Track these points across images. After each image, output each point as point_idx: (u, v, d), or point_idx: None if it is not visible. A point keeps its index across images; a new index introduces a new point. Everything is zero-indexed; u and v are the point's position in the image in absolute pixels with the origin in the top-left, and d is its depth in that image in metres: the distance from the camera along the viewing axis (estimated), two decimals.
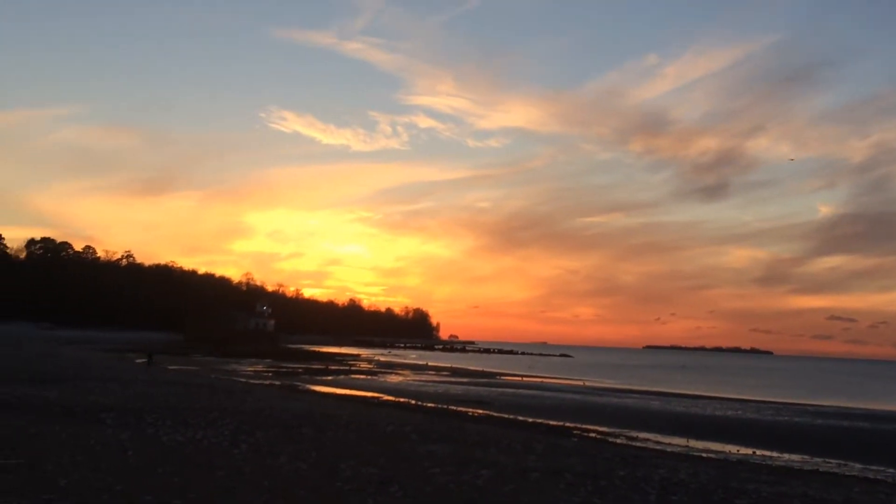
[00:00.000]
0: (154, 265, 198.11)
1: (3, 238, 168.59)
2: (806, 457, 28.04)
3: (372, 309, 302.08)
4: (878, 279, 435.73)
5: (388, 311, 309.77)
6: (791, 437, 34.64)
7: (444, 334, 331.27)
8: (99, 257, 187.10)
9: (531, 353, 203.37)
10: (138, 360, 64.27)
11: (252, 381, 49.38)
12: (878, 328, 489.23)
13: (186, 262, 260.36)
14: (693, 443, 30.40)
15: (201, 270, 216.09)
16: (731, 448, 29.38)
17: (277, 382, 51.28)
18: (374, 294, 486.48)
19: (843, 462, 27.08)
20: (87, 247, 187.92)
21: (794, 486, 16.68)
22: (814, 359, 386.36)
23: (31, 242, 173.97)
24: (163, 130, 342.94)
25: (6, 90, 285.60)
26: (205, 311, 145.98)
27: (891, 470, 25.78)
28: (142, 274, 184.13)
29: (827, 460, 27.38)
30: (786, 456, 28.05)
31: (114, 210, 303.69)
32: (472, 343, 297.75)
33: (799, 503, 13.12)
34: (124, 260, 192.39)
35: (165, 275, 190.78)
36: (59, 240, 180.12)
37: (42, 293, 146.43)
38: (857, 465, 26.48)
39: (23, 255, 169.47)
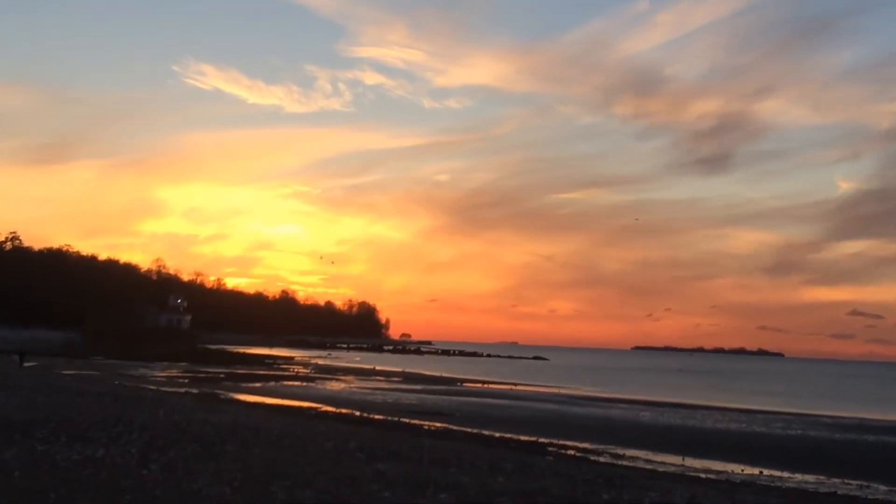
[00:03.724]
0: (45, 249, 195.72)
1: None
2: (822, 477, 28.48)
3: (309, 302, 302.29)
4: None
5: (329, 304, 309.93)
6: (805, 454, 35.15)
7: (394, 333, 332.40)
8: None
9: (499, 356, 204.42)
10: (15, 361, 63.57)
11: (164, 389, 49.14)
12: None
13: (85, 247, 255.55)
14: (690, 461, 30.74)
15: (103, 256, 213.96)
16: (735, 467, 29.79)
17: (195, 390, 51.15)
18: (311, 284, 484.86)
19: (865, 483, 27.53)
20: None
21: None
22: (832, 361, 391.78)
23: None
24: (58, 88, 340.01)
25: None
26: (107, 305, 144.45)
27: None
28: (30, 260, 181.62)
29: (847, 481, 27.82)
30: (798, 476, 28.47)
31: None
32: (428, 343, 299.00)
33: None
34: (8, 243, 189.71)
35: (59, 261, 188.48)
36: None
37: None
38: (882, 488, 26.93)
39: None
